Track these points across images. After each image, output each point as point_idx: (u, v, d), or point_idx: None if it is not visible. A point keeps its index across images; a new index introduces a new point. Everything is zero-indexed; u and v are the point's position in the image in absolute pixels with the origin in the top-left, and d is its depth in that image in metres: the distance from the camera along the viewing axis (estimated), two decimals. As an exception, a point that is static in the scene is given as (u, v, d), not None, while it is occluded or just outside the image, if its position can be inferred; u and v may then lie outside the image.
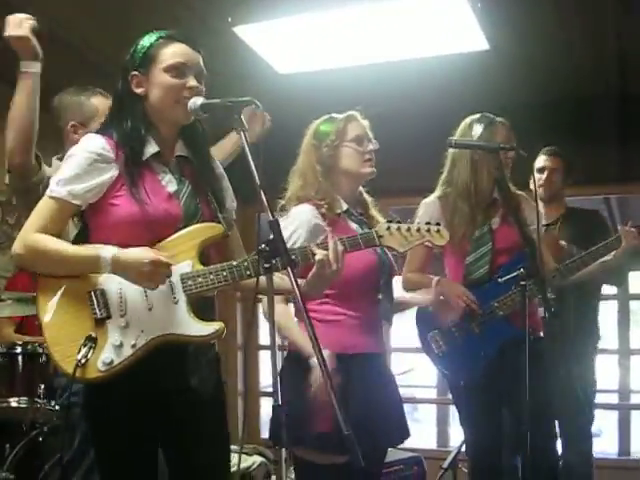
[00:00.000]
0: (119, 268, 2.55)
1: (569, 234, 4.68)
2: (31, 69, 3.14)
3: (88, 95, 3.68)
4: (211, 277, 2.62)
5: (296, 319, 3.30)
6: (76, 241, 2.71)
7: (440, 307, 3.89)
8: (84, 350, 2.52)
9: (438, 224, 2.91)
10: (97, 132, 2.74)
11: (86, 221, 2.72)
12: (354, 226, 3.41)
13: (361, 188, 3.55)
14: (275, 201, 2.86)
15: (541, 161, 5.00)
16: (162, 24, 2.82)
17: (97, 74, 3.20)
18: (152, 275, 2.54)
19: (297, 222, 3.32)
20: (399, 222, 2.88)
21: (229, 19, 4.83)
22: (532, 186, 4.81)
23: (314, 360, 3.07)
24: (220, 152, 3.52)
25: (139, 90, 2.71)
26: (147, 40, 2.73)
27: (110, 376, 2.55)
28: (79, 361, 2.50)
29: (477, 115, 3.93)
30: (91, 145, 2.65)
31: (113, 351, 2.55)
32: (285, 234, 2.92)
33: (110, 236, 2.61)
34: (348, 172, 3.44)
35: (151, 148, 2.71)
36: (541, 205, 4.94)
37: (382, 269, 3.39)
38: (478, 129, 3.86)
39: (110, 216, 2.63)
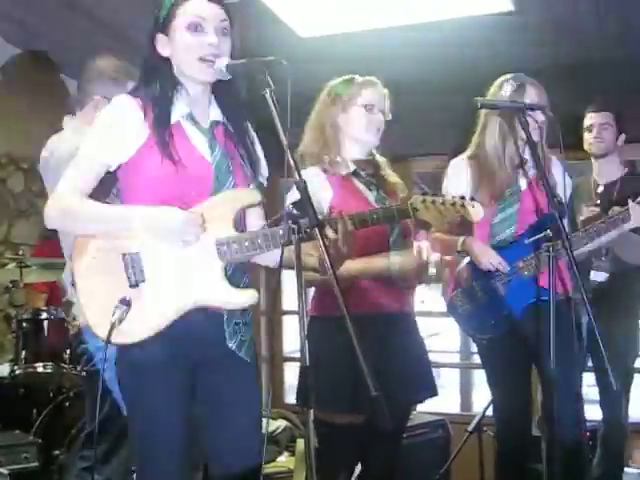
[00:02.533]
0: (151, 224, 2.55)
1: (623, 197, 4.52)
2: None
3: (94, 58, 3.66)
4: (246, 244, 2.61)
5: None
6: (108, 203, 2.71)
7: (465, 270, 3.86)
8: (118, 313, 2.52)
9: (473, 199, 2.86)
10: (127, 94, 2.72)
11: (117, 183, 2.72)
12: (361, 187, 3.41)
13: (374, 150, 3.53)
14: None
15: (589, 119, 4.87)
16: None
17: (117, 39, 3.18)
18: (183, 233, 2.54)
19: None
20: (434, 195, 2.80)
21: (251, -18, 4.81)
22: (585, 146, 4.79)
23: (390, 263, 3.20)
24: None
25: (165, 52, 2.70)
26: (168, 1, 2.70)
27: (147, 340, 2.55)
28: (113, 324, 2.51)
29: (509, 75, 3.88)
30: (121, 104, 2.65)
31: (149, 315, 2.56)
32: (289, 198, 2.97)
33: (141, 197, 2.61)
34: (352, 137, 3.46)
35: (181, 109, 2.70)
36: (597, 164, 4.90)
37: (391, 230, 3.39)
38: (507, 90, 3.82)
39: (140, 177, 2.62)
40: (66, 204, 2.59)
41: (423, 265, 3.27)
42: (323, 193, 3.34)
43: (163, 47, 2.69)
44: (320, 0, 5.13)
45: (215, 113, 2.78)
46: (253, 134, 2.90)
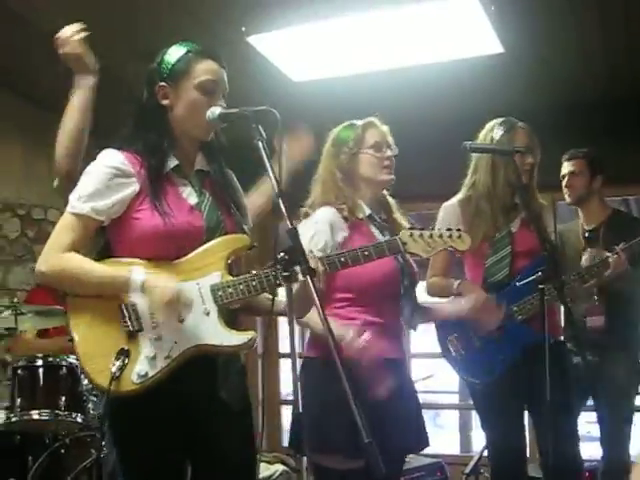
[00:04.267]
0: (145, 292, 2.56)
1: (610, 240, 4.56)
2: (85, 83, 3.14)
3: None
4: (241, 287, 2.62)
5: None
6: (100, 257, 2.70)
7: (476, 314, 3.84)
8: (118, 363, 2.52)
9: (459, 230, 2.92)
10: (115, 147, 2.72)
11: (108, 236, 2.71)
12: (375, 232, 3.42)
13: (385, 192, 3.55)
14: (295, 208, 2.87)
15: (564, 168, 4.89)
16: (174, 36, 2.83)
17: (107, 84, 3.20)
18: (172, 310, 2.56)
19: (318, 225, 3.32)
20: (422, 229, 2.90)
21: (243, 29, 4.85)
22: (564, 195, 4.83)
23: (346, 339, 3.11)
24: (256, 199, 3.47)
25: (165, 102, 2.72)
26: (176, 52, 2.73)
27: (144, 388, 2.55)
28: (114, 374, 2.51)
29: (500, 119, 3.93)
30: (110, 160, 2.66)
31: (147, 363, 2.56)
32: (306, 236, 3.07)
33: (134, 250, 2.62)
34: (367, 179, 3.45)
35: (171, 162, 2.72)
36: (579, 210, 4.90)
37: (402, 274, 3.38)
38: (498, 133, 3.87)
39: (133, 230, 2.63)
40: (62, 266, 2.59)
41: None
42: (337, 234, 3.33)
43: (165, 97, 2.72)
44: (312, 45, 5.17)
45: (200, 162, 2.81)
46: (236, 182, 2.93)
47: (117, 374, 2.51)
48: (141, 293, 2.56)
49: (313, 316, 2.82)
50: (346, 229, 3.35)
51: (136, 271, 2.57)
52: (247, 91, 4.15)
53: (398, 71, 5.48)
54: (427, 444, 3.46)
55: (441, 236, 2.88)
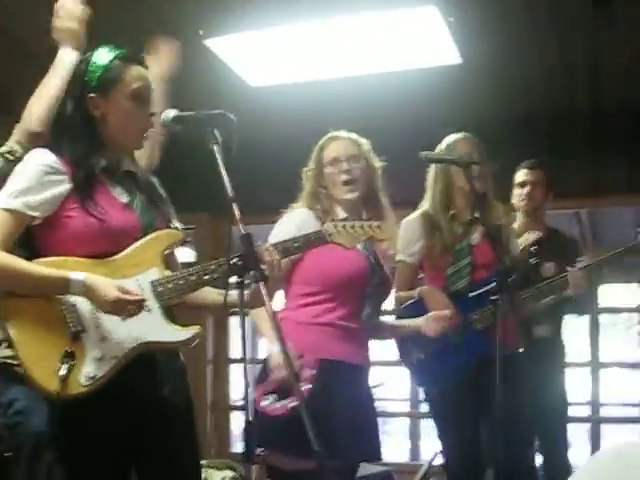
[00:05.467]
0: (88, 295, 2.51)
1: (546, 257, 4.62)
2: (72, 59, 3.05)
3: None
4: (180, 282, 2.62)
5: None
6: (29, 258, 2.62)
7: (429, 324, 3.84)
8: (65, 366, 2.47)
9: (377, 222, 2.98)
10: (46, 147, 2.67)
11: (39, 239, 2.64)
12: None
13: (383, 200, 3.58)
14: (248, 213, 2.86)
15: (522, 175, 4.88)
16: (132, 37, 2.80)
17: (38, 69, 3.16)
18: (119, 310, 2.51)
19: (288, 222, 3.40)
20: (344, 220, 3.03)
21: (200, 32, 4.81)
22: (514, 200, 4.83)
23: (272, 347, 3.18)
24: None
25: (96, 112, 2.66)
26: (103, 59, 2.67)
27: (93, 390, 2.50)
28: (62, 377, 2.46)
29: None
30: (42, 158, 2.60)
31: (94, 365, 2.51)
32: (272, 234, 3.19)
33: (67, 249, 2.57)
34: (335, 197, 3.49)
35: (100, 163, 2.67)
36: (523, 221, 4.90)
37: (371, 277, 3.40)
38: (443, 145, 3.93)
39: (67, 229, 2.59)
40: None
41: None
42: (312, 225, 3.33)
43: (96, 107, 2.66)
44: (271, 50, 5.15)
45: (126, 163, 2.78)
46: (159, 187, 2.90)
47: (65, 377, 2.46)
48: (82, 293, 2.51)
49: (261, 313, 2.82)
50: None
51: (75, 272, 2.51)
52: (203, 94, 4.13)
53: (356, 79, 5.48)
54: (379, 456, 3.47)
55: (362, 227, 2.92)
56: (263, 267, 2.54)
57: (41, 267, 2.55)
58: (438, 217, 3.91)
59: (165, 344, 2.61)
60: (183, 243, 2.81)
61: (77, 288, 2.50)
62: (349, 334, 3.36)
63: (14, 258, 2.53)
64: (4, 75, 4.92)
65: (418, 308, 3.85)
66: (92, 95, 2.65)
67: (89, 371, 2.51)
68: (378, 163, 3.58)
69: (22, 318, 2.55)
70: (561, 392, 4.89)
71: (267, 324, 3.19)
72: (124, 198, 2.70)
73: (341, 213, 3.45)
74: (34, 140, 3.06)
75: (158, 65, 3.38)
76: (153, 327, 2.59)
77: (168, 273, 2.64)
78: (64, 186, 2.59)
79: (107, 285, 2.50)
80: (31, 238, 2.64)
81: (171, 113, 2.63)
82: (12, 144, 3.09)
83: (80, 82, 2.69)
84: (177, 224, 2.84)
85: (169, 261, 2.75)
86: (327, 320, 3.34)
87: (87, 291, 2.50)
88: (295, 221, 3.39)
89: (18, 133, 3.08)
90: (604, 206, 6.77)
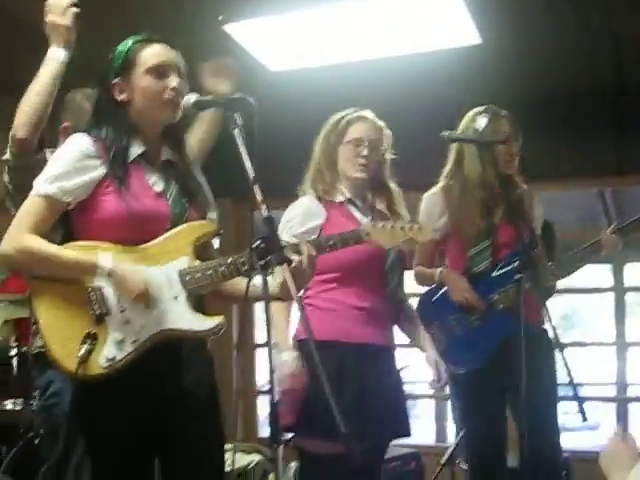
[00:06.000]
0: (114, 283, 2.56)
1: None
2: (59, 55, 3.08)
3: (86, 99, 3.64)
4: (209, 272, 2.63)
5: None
6: (64, 242, 2.68)
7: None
8: (85, 347, 2.51)
9: (417, 223, 3.00)
10: (85, 132, 2.72)
11: (73, 220, 2.69)
12: (358, 215, 3.46)
13: (390, 180, 3.59)
14: (270, 196, 2.86)
15: None
16: (151, 24, 2.83)
17: (83, 74, 3.18)
18: (137, 300, 2.56)
19: (294, 211, 3.43)
20: (384, 220, 3.03)
21: (219, 18, 4.82)
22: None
23: (285, 354, 3.24)
24: (195, 136, 3.43)
25: (122, 97, 2.72)
26: (123, 46, 2.75)
27: (112, 372, 2.54)
28: (81, 358, 2.50)
29: (481, 107, 3.91)
30: (79, 144, 2.65)
31: (115, 347, 2.55)
32: (282, 222, 3.26)
33: (99, 234, 2.61)
34: (343, 173, 3.49)
35: (137, 149, 2.71)
36: None
37: (386, 255, 3.41)
38: (482, 122, 3.84)
39: (98, 214, 2.63)
40: (29, 246, 2.56)
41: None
42: (315, 217, 3.40)
43: (120, 92, 2.71)
44: (290, 34, 5.15)
45: (167, 153, 2.80)
46: (203, 179, 2.93)
47: (84, 358, 2.50)
48: (108, 280, 2.55)
49: (280, 310, 2.84)
50: (323, 213, 3.41)
51: (103, 257, 2.56)
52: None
53: (376, 62, 5.47)
54: (408, 433, 3.49)
55: (402, 228, 2.92)
56: (295, 258, 2.59)
57: (70, 251, 2.59)
58: (465, 195, 3.88)
59: (188, 332, 2.63)
60: (217, 234, 2.81)
61: (104, 275, 2.55)
62: (370, 316, 3.37)
63: (44, 242, 2.57)
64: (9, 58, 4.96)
65: (442, 303, 3.90)
66: (115, 81, 2.71)
67: (109, 353, 2.54)
68: (390, 156, 3.59)
69: (48, 299, 2.60)
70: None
71: (283, 324, 3.24)
72: (158, 187, 2.73)
73: (345, 192, 3.48)
74: (19, 146, 3.10)
75: (221, 84, 3.43)
76: (177, 315, 2.61)
77: (197, 263, 2.66)
78: (98, 171, 2.63)
79: (134, 278, 2.55)
80: (68, 221, 2.69)
81: (192, 98, 2.64)
82: (8, 154, 3.14)
83: (106, 73, 2.74)
84: (213, 215, 2.87)
85: (203, 251, 2.76)
86: (347, 304, 3.36)
87: (114, 279, 2.55)
88: (299, 209, 3.44)
89: (10, 139, 3.12)
90: (628, 185, 6.71)
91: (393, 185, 3.61)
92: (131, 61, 2.70)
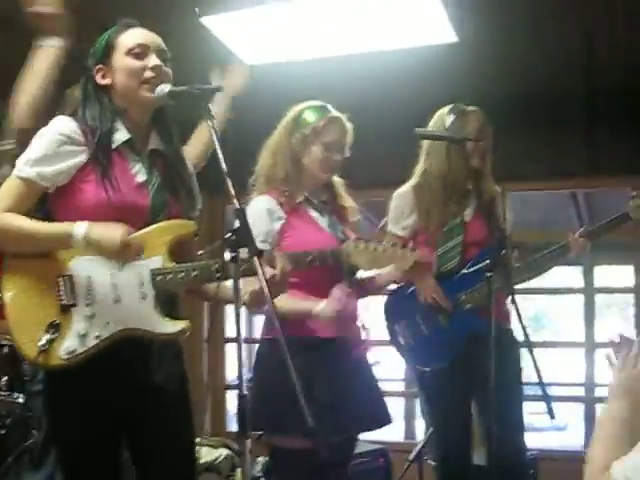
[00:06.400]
0: (91, 243, 2.54)
1: None
2: (52, 43, 3.06)
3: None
4: (181, 275, 2.62)
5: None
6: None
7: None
8: (47, 336, 2.51)
9: (404, 246, 2.98)
10: (71, 115, 2.72)
11: (50, 205, 2.69)
12: (314, 214, 3.44)
13: (335, 177, 3.56)
14: (244, 190, 2.86)
15: None
16: (128, 15, 2.83)
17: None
18: (121, 254, 2.54)
19: (256, 214, 3.29)
20: (368, 241, 2.94)
21: (196, 9, 4.79)
22: None
23: (317, 309, 3.22)
24: (193, 149, 3.43)
25: (105, 81, 2.73)
26: (105, 35, 2.78)
27: (72, 364, 2.53)
28: (42, 347, 2.49)
29: (450, 106, 3.93)
30: (61, 127, 2.64)
31: (77, 340, 2.54)
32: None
33: (78, 220, 2.59)
34: (307, 170, 3.45)
35: (122, 135, 2.70)
36: None
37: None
38: (449, 119, 3.87)
39: (76, 201, 2.62)
40: (5, 223, 2.56)
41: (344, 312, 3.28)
42: (274, 222, 3.36)
43: (103, 76, 2.73)
44: (266, 28, 5.13)
45: (155, 142, 2.79)
46: (190, 166, 2.91)
47: (45, 347, 2.51)
48: (84, 243, 2.54)
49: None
50: (283, 216, 3.37)
51: (78, 224, 2.55)
52: (199, 73, 4.11)
53: (352, 57, 5.46)
54: (388, 421, 3.52)
55: (385, 251, 2.92)
56: (269, 271, 2.56)
57: (46, 224, 2.60)
58: (434, 192, 3.88)
59: (150, 334, 2.62)
60: (195, 236, 2.79)
61: (80, 237, 2.53)
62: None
63: (21, 218, 2.57)
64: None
65: (409, 301, 3.92)
66: (99, 66, 2.73)
67: (70, 345, 2.54)
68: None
69: (17, 284, 2.59)
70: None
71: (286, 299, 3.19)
72: (141, 177, 2.72)
73: (304, 194, 3.44)
74: (19, 136, 3.08)
75: (230, 88, 3.53)
76: (143, 315, 2.61)
77: (171, 264, 2.64)
78: (80, 157, 2.63)
79: (113, 228, 2.55)
80: (46, 202, 2.69)
81: (165, 88, 2.65)
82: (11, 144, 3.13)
83: (89, 61, 2.77)
84: (196, 211, 2.88)
85: (182, 248, 2.75)
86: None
87: (90, 240, 2.54)
88: (261, 210, 3.35)
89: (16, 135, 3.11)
90: (601, 187, 6.75)
91: (336, 177, 3.59)
92: (112, 45, 2.73)
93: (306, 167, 3.45)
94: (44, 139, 2.64)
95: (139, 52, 2.71)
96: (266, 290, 2.35)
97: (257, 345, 3.44)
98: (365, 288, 3.54)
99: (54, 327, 2.53)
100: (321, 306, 3.22)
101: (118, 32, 2.75)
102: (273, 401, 3.13)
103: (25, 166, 2.61)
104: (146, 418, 2.70)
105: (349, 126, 3.50)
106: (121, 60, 2.71)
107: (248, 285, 2.55)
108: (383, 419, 3.50)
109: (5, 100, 3.09)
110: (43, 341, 2.50)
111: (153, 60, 2.70)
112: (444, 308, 3.83)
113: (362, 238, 2.97)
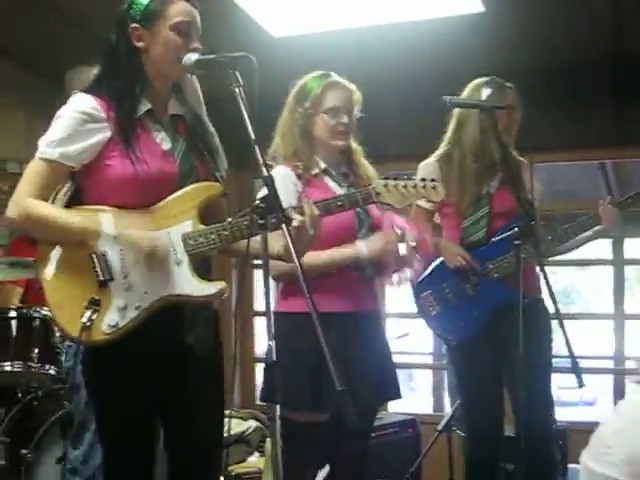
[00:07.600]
0: (121, 242, 2.56)
1: None
2: None
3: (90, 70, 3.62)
4: (212, 237, 2.63)
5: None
6: (70, 203, 2.69)
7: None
8: (88, 313, 2.53)
9: (434, 180, 2.91)
10: (87, 91, 2.70)
11: (78, 182, 2.70)
12: (332, 184, 3.43)
13: (353, 144, 3.53)
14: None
15: None
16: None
17: (90, 42, 3.15)
18: (148, 261, 2.56)
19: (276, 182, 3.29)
20: (395, 179, 2.89)
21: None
22: None
23: (358, 248, 3.25)
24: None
25: (140, 44, 2.68)
26: None
27: (115, 338, 2.56)
28: (84, 324, 2.51)
29: (486, 78, 3.90)
30: (81, 105, 2.63)
31: (118, 313, 2.56)
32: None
33: (105, 197, 2.61)
34: (320, 141, 3.44)
35: (144, 106, 2.69)
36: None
37: (359, 224, 3.38)
38: (486, 92, 3.83)
39: (104, 177, 2.62)
40: (32, 212, 2.57)
41: (391, 246, 3.27)
42: (293, 192, 3.35)
43: (139, 39, 2.68)
44: (293, 0, 5.12)
45: (175, 107, 2.78)
46: (211, 127, 2.91)
47: (87, 324, 2.53)
48: (112, 244, 2.56)
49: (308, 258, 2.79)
50: (300, 186, 3.37)
51: (105, 223, 2.57)
52: (225, 46, 4.10)
53: (377, 28, 5.43)
54: (398, 395, 3.49)
55: (415, 186, 2.88)
56: (298, 218, 2.58)
57: (73, 217, 2.59)
58: (466, 162, 3.88)
59: (190, 298, 2.63)
60: (223, 195, 2.79)
61: (108, 240, 2.55)
62: (344, 285, 3.34)
63: (47, 207, 2.59)
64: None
65: (437, 272, 3.94)
66: (135, 26, 2.67)
67: (112, 319, 2.56)
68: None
69: (52, 263, 2.61)
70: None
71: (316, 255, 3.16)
72: (166, 145, 2.71)
73: (320, 162, 3.44)
74: None
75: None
76: (180, 280, 2.62)
77: (202, 227, 2.65)
78: (103, 134, 2.62)
79: (142, 238, 2.57)
80: (75, 179, 2.71)
81: (193, 56, 2.64)
82: None
83: (126, 14, 2.69)
84: (223, 172, 2.86)
85: (211, 212, 2.75)
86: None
87: (118, 242, 2.56)
88: (279, 180, 3.32)
89: None
90: (630, 157, 6.68)
91: (355, 145, 3.57)
92: (157, 11, 2.66)
93: (317, 138, 3.45)
94: (64, 119, 2.63)
95: (184, 30, 2.67)
96: (295, 259, 2.34)
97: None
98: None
99: (94, 303, 2.55)
100: (363, 243, 3.25)
101: (164, 0, 2.67)
102: (287, 374, 3.14)
103: (48, 147, 2.60)
104: (176, 386, 2.72)
105: (351, 87, 3.48)
106: (165, 32, 2.66)
107: (282, 238, 2.52)
108: (396, 393, 3.50)
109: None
110: (85, 318, 2.53)
111: (195, 42, 2.68)
112: (472, 276, 3.82)
113: (389, 177, 2.94)
